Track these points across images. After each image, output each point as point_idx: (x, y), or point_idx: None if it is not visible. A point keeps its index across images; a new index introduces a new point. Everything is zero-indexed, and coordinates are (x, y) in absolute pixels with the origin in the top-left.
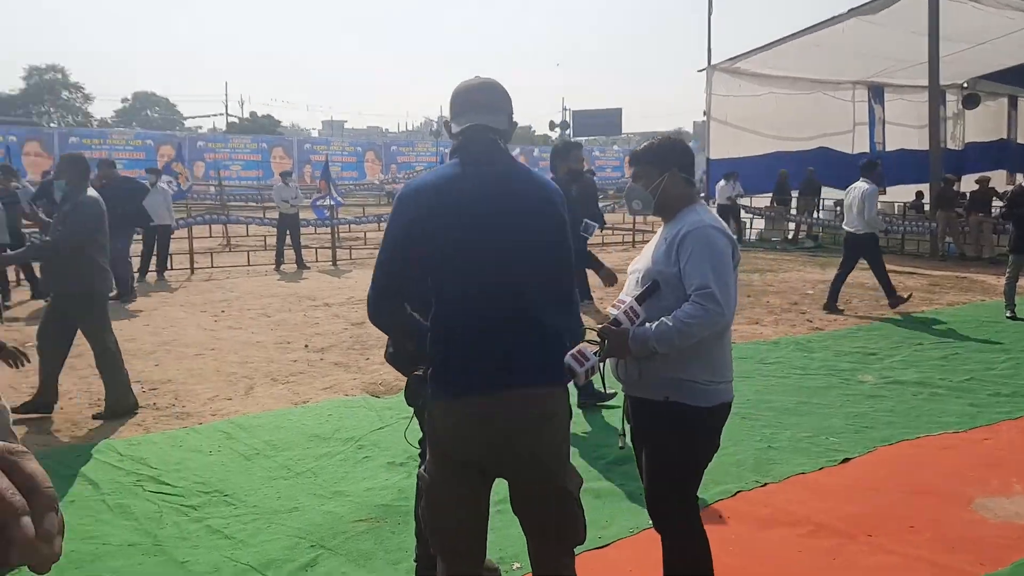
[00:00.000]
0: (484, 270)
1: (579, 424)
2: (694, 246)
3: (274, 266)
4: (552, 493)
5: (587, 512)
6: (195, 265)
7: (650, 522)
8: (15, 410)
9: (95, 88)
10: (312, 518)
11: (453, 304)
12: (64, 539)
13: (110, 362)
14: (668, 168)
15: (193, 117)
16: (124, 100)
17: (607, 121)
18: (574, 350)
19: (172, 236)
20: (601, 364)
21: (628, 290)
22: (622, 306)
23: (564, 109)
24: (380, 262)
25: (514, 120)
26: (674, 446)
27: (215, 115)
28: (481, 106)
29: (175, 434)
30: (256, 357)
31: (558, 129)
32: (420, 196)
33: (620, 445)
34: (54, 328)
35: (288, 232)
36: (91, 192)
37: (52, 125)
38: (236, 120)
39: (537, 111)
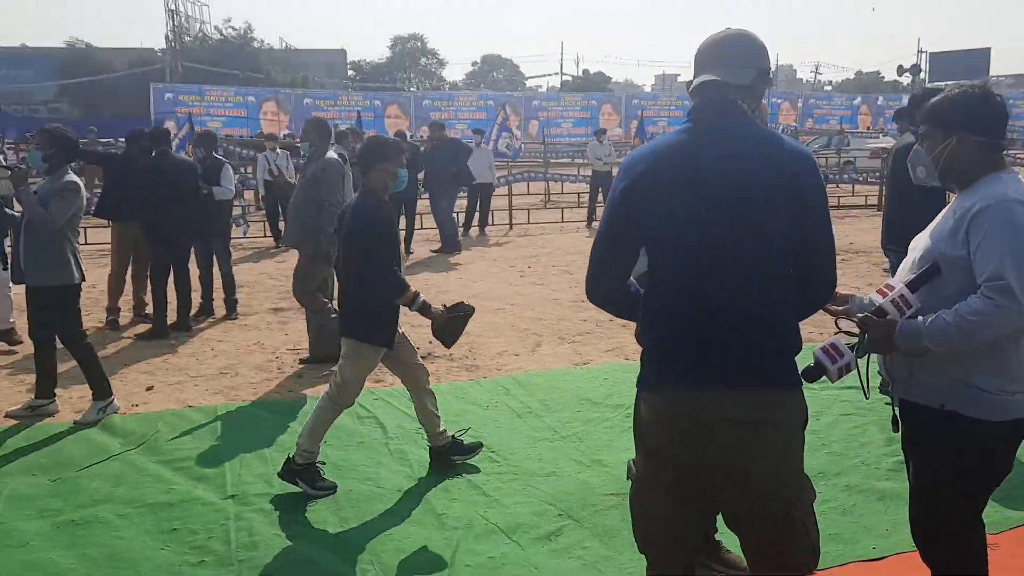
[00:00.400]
0: (700, 250)
1: (870, 410)
2: (990, 225)
3: (585, 223)
4: (767, 513)
5: (866, 516)
6: (513, 221)
7: None
8: (304, 361)
9: (449, 54)
10: (566, 486)
11: (665, 286)
12: (348, 478)
13: None
14: (956, 131)
15: (533, 77)
16: (474, 64)
17: (970, 63)
18: (825, 343)
19: (493, 194)
20: (858, 360)
21: (902, 273)
22: (891, 293)
23: (919, 52)
24: (598, 235)
25: (769, 76)
26: (949, 465)
27: (550, 75)
28: (722, 60)
29: (461, 385)
30: (550, 315)
31: (907, 74)
32: (636, 164)
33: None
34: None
35: (599, 189)
36: (331, 153)
37: (412, 90)
38: (570, 78)
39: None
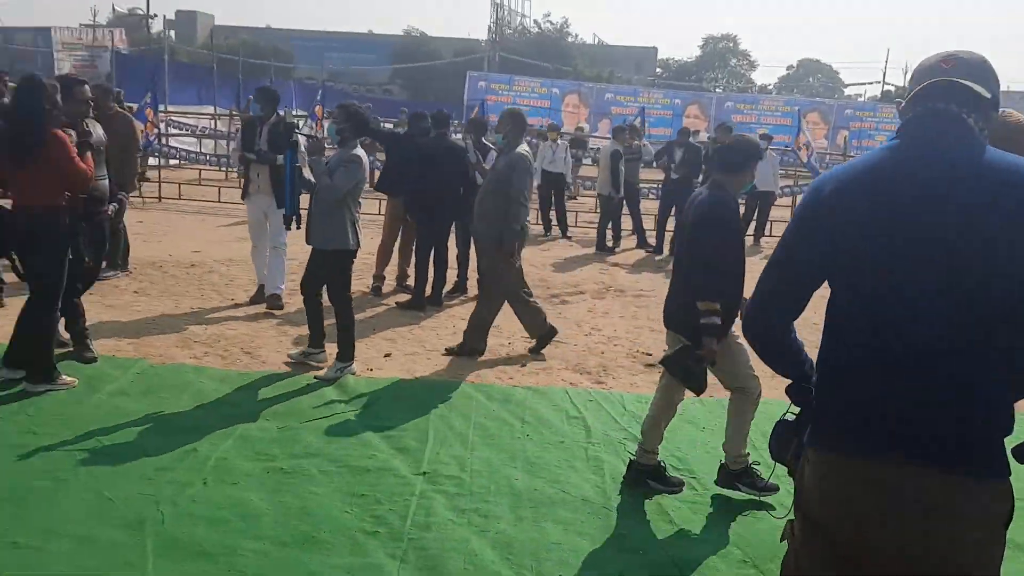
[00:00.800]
0: (894, 293)
1: None
2: None
3: None
4: None
5: None
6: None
7: None
8: (448, 352)
9: (761, 56)
10: (761, 531)
11: (847, 332)
12: (538, 477)
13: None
14: None
15: (852, 84)
16: (789, 67)
17: None
18: None
19: (774, 203)
20: None
21: None
22: None
23: None
24: (772, 258)
25: (997, 100)
26: None
27: (871, 83)
28: (947, 72)
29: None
30: None
31: None
32: (828, 182)
33: None
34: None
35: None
36: (524, 148)
37: (718, 90)
38: (892, 88)
39: None
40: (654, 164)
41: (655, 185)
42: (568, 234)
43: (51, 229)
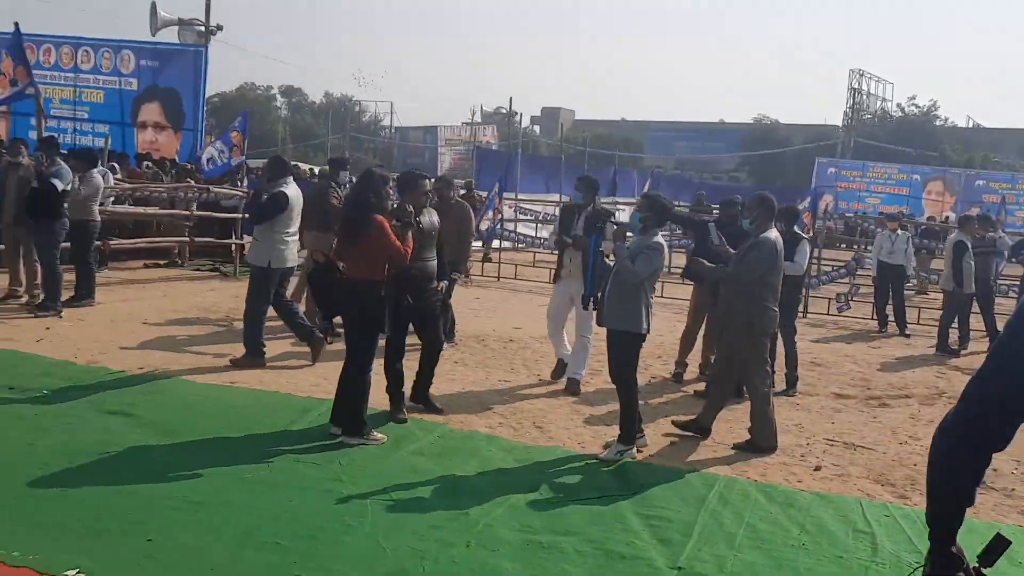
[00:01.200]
0: None
1: None
2: None
3: None
4: None
5: None
6: None
7: None
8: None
9: None
10: None
11: None
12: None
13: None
14: None
15: None
16: None
17: None
18: None
19: None
20: None
21: None
22: None
23: None
24: (1001, 365)
25: None
26: None
27: None
28: None
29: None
30: None
31: None
32: None
33: None
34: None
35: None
36: (772, 233)
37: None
38: None
39: None
40: (1013, 259)
41: (1016, 282)
42: (907, 331)
43: (369, 300)
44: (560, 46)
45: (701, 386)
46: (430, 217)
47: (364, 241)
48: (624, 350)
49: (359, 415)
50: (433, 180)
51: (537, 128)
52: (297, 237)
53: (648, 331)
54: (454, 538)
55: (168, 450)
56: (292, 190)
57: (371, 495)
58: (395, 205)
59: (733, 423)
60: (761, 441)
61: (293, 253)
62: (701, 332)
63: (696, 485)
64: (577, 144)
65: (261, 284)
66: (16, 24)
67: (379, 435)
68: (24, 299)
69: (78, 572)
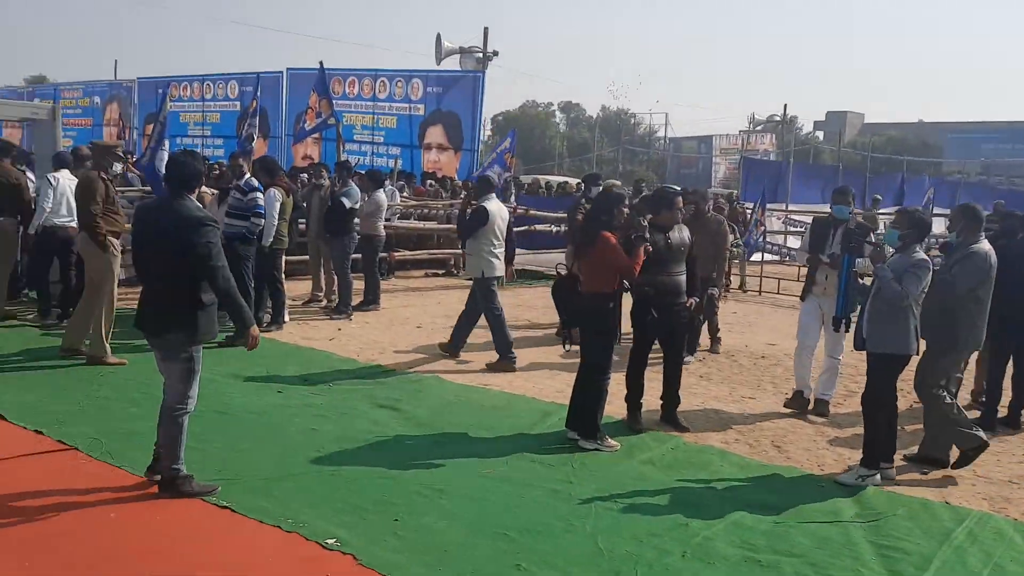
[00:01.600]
0: None
1: None
2: None
3: None
4: None
5: None
6: None
7: None
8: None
9: None
10: None
11: None
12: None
13: None
14: None
15: None
16: None
17: None
18: None
19: None
20: None
21: None
22: None
23: None
24: None
25: None
26: None
27: None
28: None
29: None
30: None
31: None
32: None
33: None
34: None
35: None
36: (982, 244)
37: None
38: None
39: None
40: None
41: None
42: None
43: (599, 312)
44: (845, 44)
45: (975, 414)
46: (680, 232)
47: (591, 255)
48: (886, 373)
49: (594, 419)
50: (691, 192)
51: (820, 134)
52: (503, 249)
53: (917, 353)
54: (671, 547)
55: (422, 441)
56: (494, 205)
57: (597, 499)
58: (637, 220)
59: (1002, 455)
60: (935, 451)
61: (501, 264)
62: (974, 357)
63: (944, 518)
64: (864, 150)
65: (485, 291)
66: (321, 63)
67: (613, 442)
68: (323, 303)
69: (335, 541)
